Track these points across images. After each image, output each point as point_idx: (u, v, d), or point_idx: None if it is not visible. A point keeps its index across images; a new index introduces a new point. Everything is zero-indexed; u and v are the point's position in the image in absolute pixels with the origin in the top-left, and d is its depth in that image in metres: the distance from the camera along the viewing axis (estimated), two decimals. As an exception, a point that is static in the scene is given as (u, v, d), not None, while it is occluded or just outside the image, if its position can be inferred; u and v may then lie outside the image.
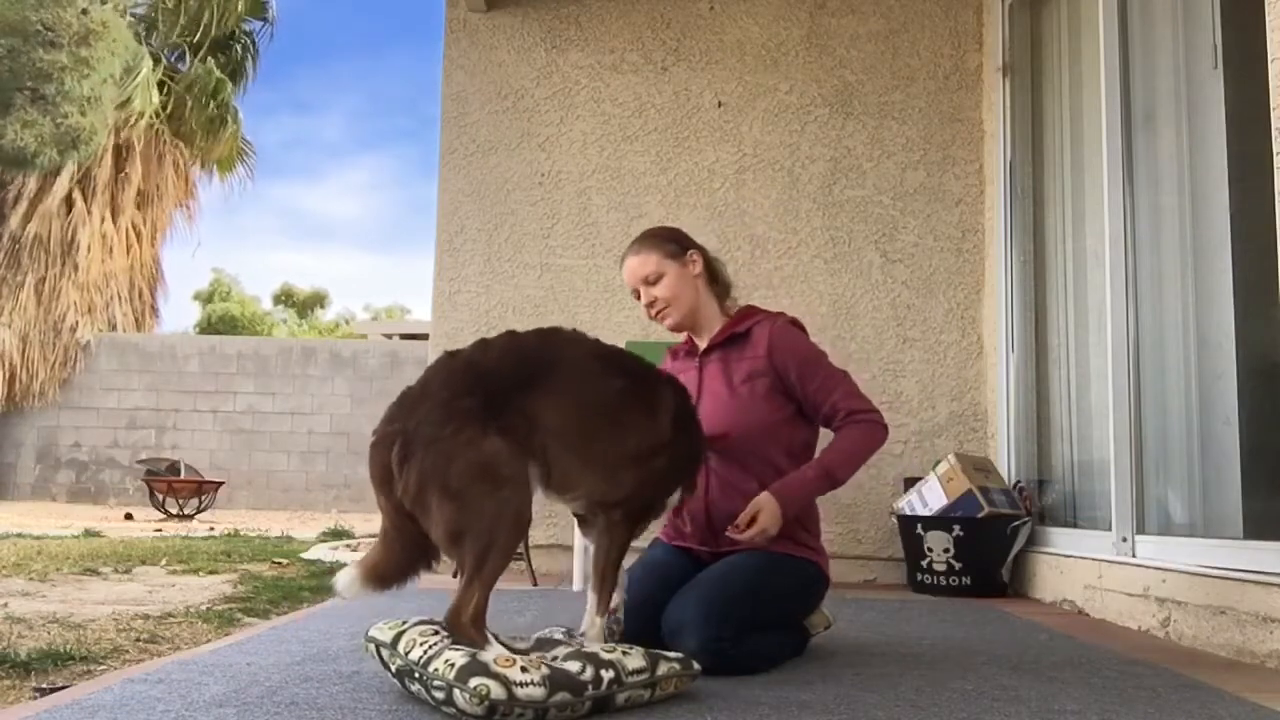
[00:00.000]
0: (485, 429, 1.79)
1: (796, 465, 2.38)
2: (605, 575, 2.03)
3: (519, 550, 4.21)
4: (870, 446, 2.37)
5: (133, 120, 15.18)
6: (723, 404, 2.40)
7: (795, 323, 2.50)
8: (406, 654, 1.79)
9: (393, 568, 1.86)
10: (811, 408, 2.40)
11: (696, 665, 1.92)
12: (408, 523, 1.82)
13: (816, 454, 2.43)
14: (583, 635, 2.02)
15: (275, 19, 17.25)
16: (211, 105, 16.26)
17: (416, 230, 79.76)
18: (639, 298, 2.50)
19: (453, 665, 1.68)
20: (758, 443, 2.37)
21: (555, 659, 1.79)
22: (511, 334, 2.00)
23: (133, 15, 15.67)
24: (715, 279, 2.54)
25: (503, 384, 1.87)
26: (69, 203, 15.10)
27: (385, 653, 1.86)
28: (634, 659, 1.81)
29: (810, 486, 2.32)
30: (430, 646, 1.76)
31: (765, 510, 2.26)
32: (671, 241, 2.50)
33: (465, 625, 1.77)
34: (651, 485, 2.04)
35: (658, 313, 2.49)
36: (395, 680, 1.85)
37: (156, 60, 15.93)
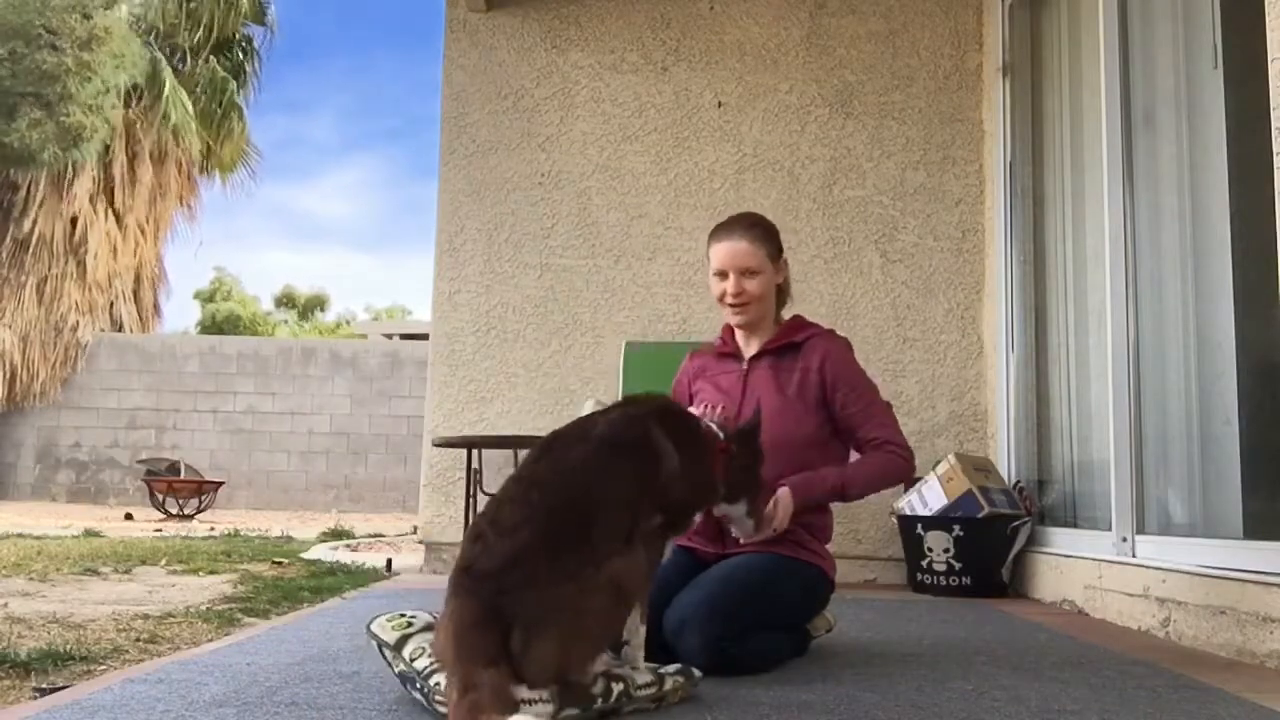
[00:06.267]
0: (599, 564, 1.65)
1: None
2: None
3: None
4: (889, 476, 2.43)
5: (158, 126, 15.28)
6: (775, 412, 2.36)
7: (847, 342, 2.54)
8: (412, 661, 1.78)
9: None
10: (846, 430, 2.44)
11: (697, 673, 1.91)
12: None
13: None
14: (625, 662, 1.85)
15: (275, 24, 17.32)
16: (217, 106, 16.29)
17: (410, 231, 79.61)
18: (724, 279, 2.46)
19: None
20: (798, 454, 2.36)
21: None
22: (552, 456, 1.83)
23: (132, 15, 15.66)
24: (784, 288, 2.59)
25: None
26: (75, 203, 15.08)
27: (388, 654, 1.85)
28: (642, 674, 1.81)
29: (823, 491, 2.36)
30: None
31: (782, 505, 2.27)
32: (775, 243, 2.52)
33: None
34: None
35: (738, 305, 2.47)
36: (396, 679, 1.85)
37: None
